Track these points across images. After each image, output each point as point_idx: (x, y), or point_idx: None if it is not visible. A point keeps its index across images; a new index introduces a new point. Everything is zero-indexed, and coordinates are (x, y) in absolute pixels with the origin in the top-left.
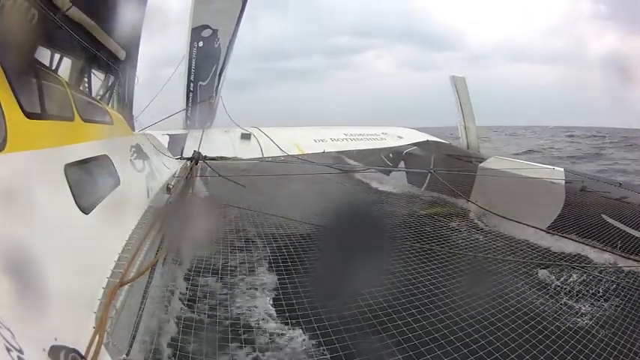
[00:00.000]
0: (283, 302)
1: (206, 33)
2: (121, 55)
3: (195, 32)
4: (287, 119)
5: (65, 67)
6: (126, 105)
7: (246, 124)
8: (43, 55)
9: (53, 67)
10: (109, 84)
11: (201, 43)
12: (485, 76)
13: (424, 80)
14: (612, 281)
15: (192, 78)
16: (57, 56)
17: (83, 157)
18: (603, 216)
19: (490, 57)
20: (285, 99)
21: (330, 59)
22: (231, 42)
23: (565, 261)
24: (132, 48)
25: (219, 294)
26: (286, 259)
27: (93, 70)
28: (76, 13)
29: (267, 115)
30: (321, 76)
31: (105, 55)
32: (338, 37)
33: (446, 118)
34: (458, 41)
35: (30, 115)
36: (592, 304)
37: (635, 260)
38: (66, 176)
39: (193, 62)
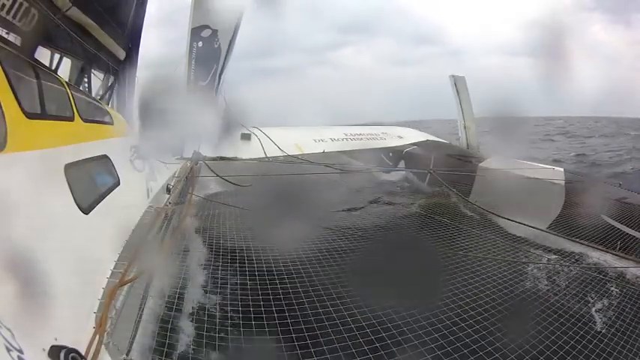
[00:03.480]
0: (293, 306)
1: (206, 33)
2: (121, 55)
3: (195, 32)
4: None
5: (65, 67)
6: (126, 105)
7: None
8: (43, 55)
9: (53, 67)
10: (109, 84)
11: (200, 44)
12: (463, 68)
13: (406, 75)
14: (612, 281)
15: (191, 78)
16: (57, 56)
17: (83, 157)
18: (603, 216)
19: (467, 52)
20: (266, 97)
21: (309, 56)
22: (231, 42)
23: (565, 261)
24: (132, 48)
25: (222, 293)
26: (288, 262)
27: (93, 71)
28: (76, 13)
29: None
30: (300, 73)
31: (105, 56)
32: (316, 35)
33: (433, 112)
34: (437, 36)
35: (30, 115)
36: (592, 304)
37: (634, 260)
38: (66, 176)
39: (193, 62)
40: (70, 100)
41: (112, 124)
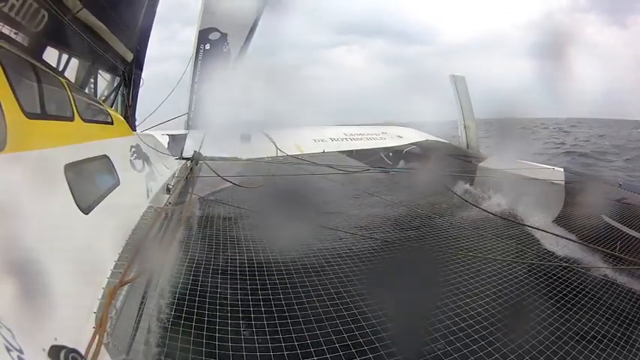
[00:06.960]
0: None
1: (214, 36)
2: (129, 57)
3: (203, 34)
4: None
5: (72, 67)
6: (130, 106)
7: None
8: (50, 55)
9: (60, 68)
10: (115, 85)
11: (208, 46)
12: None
13: (398, 73)
14: (612, 282)
15: (196, 80)
16: (64, 57)
17: (83, 158)
18: (603, 216)
19: (459, 51)
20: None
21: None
22: (243, 48)
23: (565, 262)
24: (139, 50)
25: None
26: (288, 262)
27: (100, 71)
28: (85, 15)
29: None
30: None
31: (112, 57)
32: (307, 35)
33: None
34: (428, 36)
35: (30, 115)
36: (592, 304)
37: (634, 261)
38: (66, 176)
39: (199, 64)
40: (70, 101)
41: (112, 124)
